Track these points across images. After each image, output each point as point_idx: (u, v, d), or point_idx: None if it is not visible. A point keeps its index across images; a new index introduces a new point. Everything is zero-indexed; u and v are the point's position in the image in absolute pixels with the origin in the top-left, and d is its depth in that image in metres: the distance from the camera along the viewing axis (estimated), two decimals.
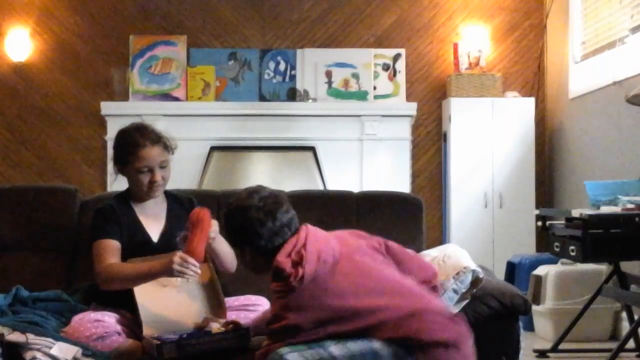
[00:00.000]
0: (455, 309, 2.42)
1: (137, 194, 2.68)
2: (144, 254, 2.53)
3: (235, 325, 2.40)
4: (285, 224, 2.23)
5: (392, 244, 2.30)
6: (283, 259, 2.11)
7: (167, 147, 2.64)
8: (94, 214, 2.66)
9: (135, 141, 2.60)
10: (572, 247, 3.70)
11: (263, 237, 2.20)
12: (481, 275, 2.50)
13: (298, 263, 2.09)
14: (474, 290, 2.47)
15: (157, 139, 2.62)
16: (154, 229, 2.65)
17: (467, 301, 2.45)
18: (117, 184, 2.83)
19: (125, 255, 2.55)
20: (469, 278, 2.46)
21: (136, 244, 2.57)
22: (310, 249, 2.12)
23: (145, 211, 2.68)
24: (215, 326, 2.38)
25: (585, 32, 5.24)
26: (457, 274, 2.45)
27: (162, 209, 2.71)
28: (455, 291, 2.44)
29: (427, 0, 5.89)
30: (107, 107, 5.59)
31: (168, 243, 2.57)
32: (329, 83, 5.73)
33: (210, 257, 2.58)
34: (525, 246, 5.34)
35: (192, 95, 5.67)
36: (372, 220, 3.07)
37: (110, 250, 2.54)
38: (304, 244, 2.14)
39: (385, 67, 5.78)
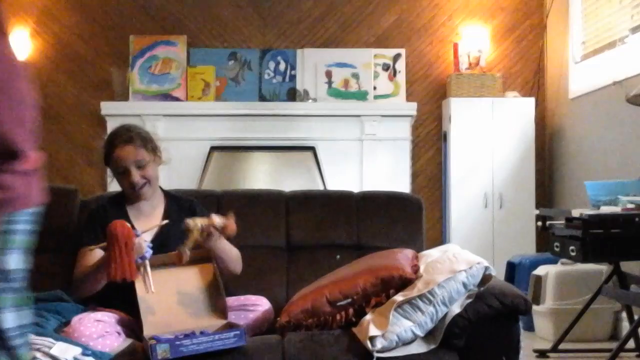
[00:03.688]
0: (458, 309, 2.41)
1: (127, 195, 2.67)
2: None
3: (231, 325, 2.40)
4: None
5: None
6: None
7: (145, 145, 2.60)
8: (86, 216, 2.66)
9: (110, 143, 2.61)
10: (572, 247, 3.69)
11: None
12: (493, 273, 2.49)
13: None
14: (482, 289, 2.46)
15: (129, 139, 2.59)
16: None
17: (470, 300, 2.44)
18: (115, 184, 2.83)
19: None
20: (480, 273, 2.45)
21: None
22: None
23: (139, 212, 2.67)
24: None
25: (585, 32, 5.24)
26: (470, 267, 2.44)
27: (158, 210, 2.70)
28: (464, 285, 2.41)
29: (427, 0, 5.89)
30: (107, 107, 5.58)
31: (161, 245, 2.55)
32: (329, 83, 5.72)
33: (214, 258, 2.57)
34: (525, 246, 5.34)
35: (192, 95, 5.67)
36: (372, 220, 3.07)
37: (89, 259, 2.54)
38: None
39: (385, 67, 5.78)
